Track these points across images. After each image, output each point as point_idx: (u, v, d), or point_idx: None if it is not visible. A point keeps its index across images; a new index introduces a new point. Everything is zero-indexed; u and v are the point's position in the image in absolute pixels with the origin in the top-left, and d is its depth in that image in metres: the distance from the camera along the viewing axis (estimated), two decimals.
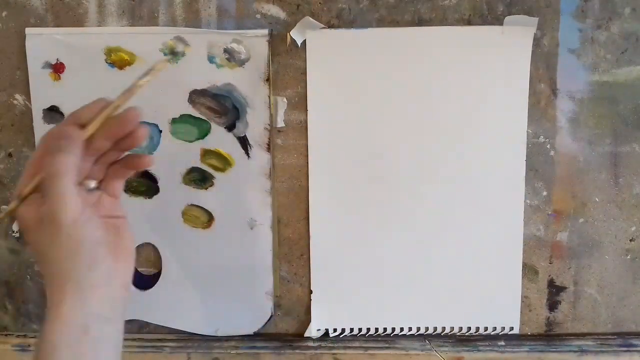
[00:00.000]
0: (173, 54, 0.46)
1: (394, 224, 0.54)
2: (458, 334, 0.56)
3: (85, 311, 0.37)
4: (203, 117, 0.52)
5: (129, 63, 0.51)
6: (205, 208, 0.54)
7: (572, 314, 0.56)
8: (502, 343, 0.55)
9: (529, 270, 0.55)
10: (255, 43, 0.51)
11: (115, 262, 0.38)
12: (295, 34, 0.51)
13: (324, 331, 0.56)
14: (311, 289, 0.55)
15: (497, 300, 0.55)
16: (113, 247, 0.39)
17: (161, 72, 0.38)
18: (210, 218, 0.54)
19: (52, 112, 0.53)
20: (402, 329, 0.56)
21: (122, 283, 0.39)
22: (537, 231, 0.54)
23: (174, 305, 0.56)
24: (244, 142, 0.53)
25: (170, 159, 0.53)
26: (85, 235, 0.37)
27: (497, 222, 0.53)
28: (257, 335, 0.57)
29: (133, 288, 0.56)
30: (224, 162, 0.53)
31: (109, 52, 0.51)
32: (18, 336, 0.58)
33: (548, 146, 0.53)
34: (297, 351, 0.56)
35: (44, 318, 0.37)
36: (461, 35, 0.51)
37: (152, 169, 0.53)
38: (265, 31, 0.51)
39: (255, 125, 0.52)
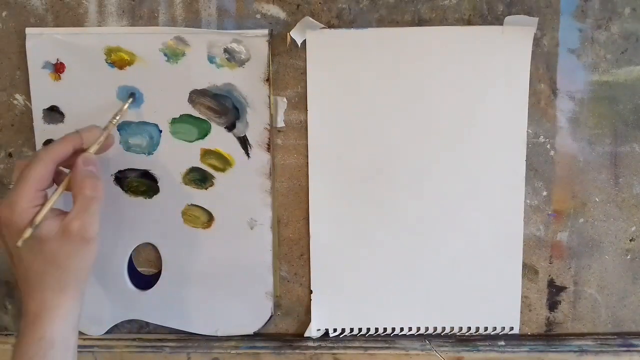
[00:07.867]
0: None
1: (394, 224, 0.54)
2: (458, 334, 0.56)
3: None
4: (203, 117, 0.52)
5: (129, 63, 0.51)
6: (205, 208, 0.54)
7: (572, 314, 0.56)
8: (502, 343, 0.55)
9: (529, 270, 0.55)
10: (255, 43, 0.51)
11: None
12: (295, 34, 0.51)
13: (324, 331, 0.56)
14: (311, 289, 0.55)
15: (497, 300, 0.55)
16: None
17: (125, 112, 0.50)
18: (210, 218, 0.54)
19: (52, 112, 0.53)
20: (402, 329, 0.56)
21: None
22: (537, 231, 0.54)
23: (174, 305, 0.56)
24: (244, 142, 0.53)
25: (170, 159, 0.53)
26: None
27: (497, 222, 0.53)
28: (257, 335, 0.57)
29: (133, 288, 0.56)
30: (224, 162, 0.53)
31: (109, 52, 0.51)
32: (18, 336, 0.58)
33: (548, 146, 0.53)
34: (297, 351, 0.56)
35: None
36: (461, 35, 0.51)
37: (152, 169, 0.53)
38: (265, 31, 0.51)
39: (255, 125, 0.52)
